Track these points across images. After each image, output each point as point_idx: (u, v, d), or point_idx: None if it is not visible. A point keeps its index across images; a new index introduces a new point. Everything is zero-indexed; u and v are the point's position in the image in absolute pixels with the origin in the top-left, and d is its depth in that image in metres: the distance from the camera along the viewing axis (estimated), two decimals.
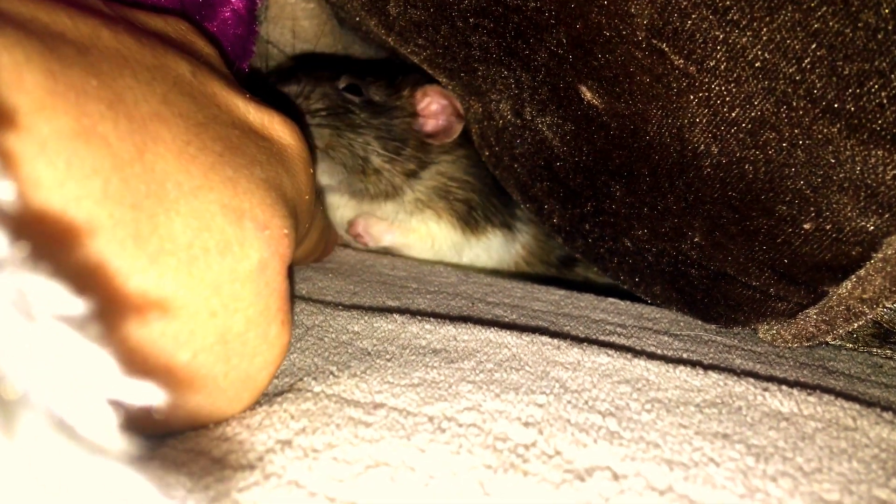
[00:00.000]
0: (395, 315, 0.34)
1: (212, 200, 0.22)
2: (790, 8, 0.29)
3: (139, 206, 0.20)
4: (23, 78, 0.18)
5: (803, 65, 0.30)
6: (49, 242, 0.18)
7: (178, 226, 0.21)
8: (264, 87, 0.51)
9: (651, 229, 0.39)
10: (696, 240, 0.37)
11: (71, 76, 0.19)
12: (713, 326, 0.40)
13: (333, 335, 0.32)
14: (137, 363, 0.20)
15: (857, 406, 0.27)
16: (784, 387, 0.28)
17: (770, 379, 0.30)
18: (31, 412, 0.12)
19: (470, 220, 0.57)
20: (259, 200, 0.24)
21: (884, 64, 0.28)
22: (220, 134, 0.24)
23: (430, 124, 0.55)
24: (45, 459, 0.11)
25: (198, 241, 0.21)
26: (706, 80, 0.32)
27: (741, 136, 0.32)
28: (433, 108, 0.55)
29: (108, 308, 0.19)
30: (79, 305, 0.13)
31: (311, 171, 0.29)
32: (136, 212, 0.20)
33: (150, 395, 0.13)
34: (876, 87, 0.29)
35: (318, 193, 0.52)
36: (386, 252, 0.58)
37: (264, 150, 0.26)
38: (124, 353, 0.19)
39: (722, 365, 0.33)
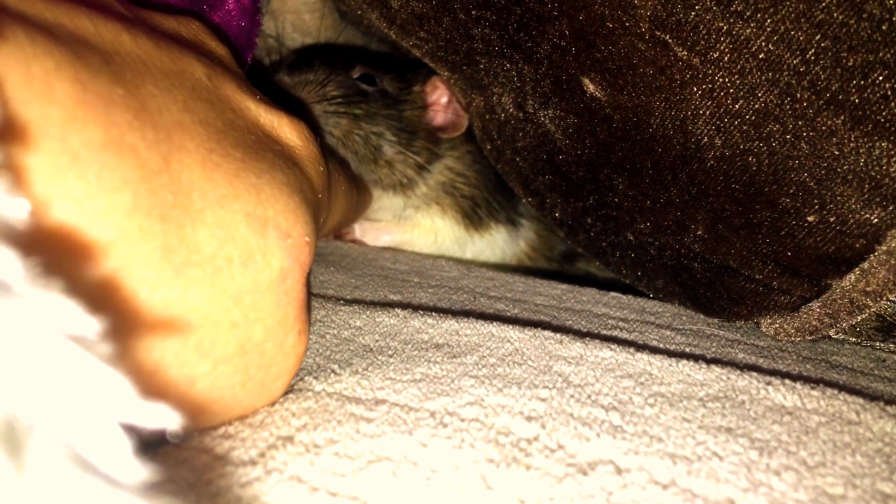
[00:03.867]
0: (397, 310, 0.34)
1: (237, 210, 0.22)
2: None
3: (167, 217, 0.20)
4: (53, 88, 0.17)
5: (807, 56, 0.29)
6: (75, 256, 0.17)
7: (204, 237, 0.21)
8: (265, 80, 0.51)
9: (654, 222, 0.39)
10: (699, 233, 0.37)
11: (99, 85, 0.19)
12: (716, 320, 0.40)
13: (335, 331, 0.32)
14: (159, 374, 0.20)
15: (861, 400, 0.27)
16: (787, 381, 0.28)
17: (773, 373, 0.30)
18: (41, 441, 0.11)
19: (474, 216, 0.57)
20: (282, 207, 0.23)
21: (888, 55, 0.28)
22: (239, 140, 0.24)
23: (440, 117, 0.55)
24: (57, 493, 0.11)
25: (222, 252, 0.21)
26: (710, 71, 0.32)
27: (745, 128, 0.32)
28: (443, 99, 0.55)
29: (133, 320, 0.19)
30: (93, 325, 0.12)
31: (322, 169, 0.29)
32: (164, 223, 0.20)
33: (165, 419, 0.12)
34: (880, 78, 0.29)
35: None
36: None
37: (279, 153, 0.26)
38: (146, 364, 0.20)
39: (725, 359, 0.33)
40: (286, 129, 0.27)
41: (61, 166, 0.17)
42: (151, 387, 0.20)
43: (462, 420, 0.24)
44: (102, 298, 0.18)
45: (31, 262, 0.12)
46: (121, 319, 0.19)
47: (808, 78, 0.30)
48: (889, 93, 0.29)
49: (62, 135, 0.17)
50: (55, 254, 0.17)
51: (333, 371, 0.27)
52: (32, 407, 0.11)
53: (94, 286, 0.18)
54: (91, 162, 0.18)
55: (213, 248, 0.21)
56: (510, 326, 0.32)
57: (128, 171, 0.19)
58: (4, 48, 0.17)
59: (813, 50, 0.29)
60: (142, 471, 0.12)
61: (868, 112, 0.29)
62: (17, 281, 0.12)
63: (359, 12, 0.48)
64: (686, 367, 0.29)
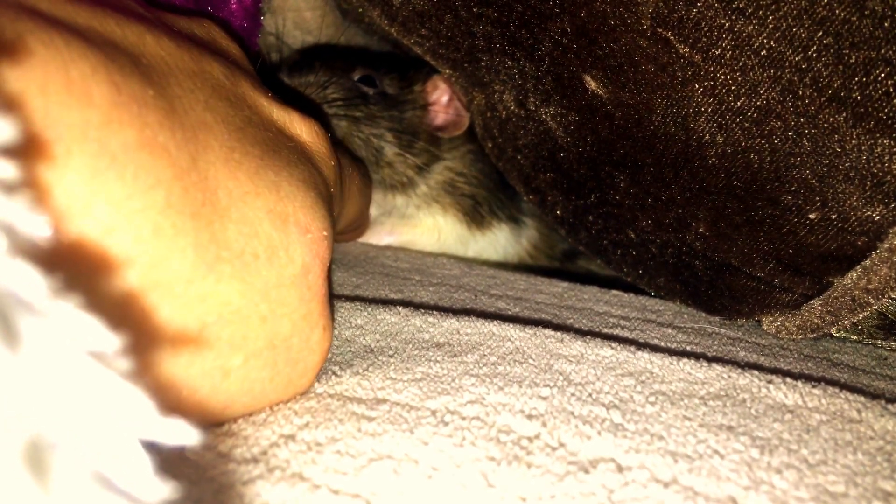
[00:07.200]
0: (398, 307, 0.34)
1: (259, 207, 0.22)
2: None
3: (198, 214, 0.20)
4: (91, 91, 0.18)
5: (809, 53, 0.29)
6: (114, 256, 0.18)
7: (232, 233, 0.21)
8: (271, 78, 0.51)
9: (655, 220, 0.39)
10: (700, 230, 0.37)
11: (131, 87, 0.19)
12: (717, 318, 0.40)
13: (337, 331, 0.32)
14: (196, 365, 0.21)
15: (862, 398, 0.27)
16: (788, 379, 0.28)
17: (774, 371, 0.30)
18: (64, 460, 0.11)
19: (475, 215, 0.57)
20: (300, 203, 0.24)
21: (890, 52, 0.28)
22: (257, 137, 0.24)
23: (441, 116, 0.55)
24: None
25: (248, 248, 0.22)
26: (711, 68, 0.32)
27: (747, 125, 0.32)
28: (444, 99, 0.55)
29: (172, 315, 0.20)
30: (114, 341, 0.12)
31: (333, 164, 0.29)
32: (196, 220, 0.20)
33: (184, 436, 0.13)
34: (882, 75, 0.28)
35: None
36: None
37: (293, 149, 0.26)
38: (184, 358, 0.20)
39: (726, 357, 0.33)
40: (297, 126, 0.28)
41: (101, 167, 0.17)
42: (188, 379, 0.21)
43: (463, 418, 0.24)
44: (142, 296, 0.19)
45: (53, 277, 0.12)
46: (161, 315, 0.19)
47: (809, 75, 0.30)
48: (891, 90, 0.28)
49: (101, 137, 0.18)
50: (93, 256, 0.18)
51: (334, 373, 0.28)
52: (55, 426, 0.11)
53: (133, 285, 0.18)
54: (128, 162, 0.18)
55: (241, 244, 0.22)
56: (511, 325, 0.32)
57: (161, 171, 0.19)
58: (44, 53, 0.17)
59: (815, 47, 0.29)
60: (163, 488, 0.12)
61: (870, 109, 0.29)
62: (39, 298, 0.12)
63: (360, 10, 0.48)
64: (687, 365, 0.29)
